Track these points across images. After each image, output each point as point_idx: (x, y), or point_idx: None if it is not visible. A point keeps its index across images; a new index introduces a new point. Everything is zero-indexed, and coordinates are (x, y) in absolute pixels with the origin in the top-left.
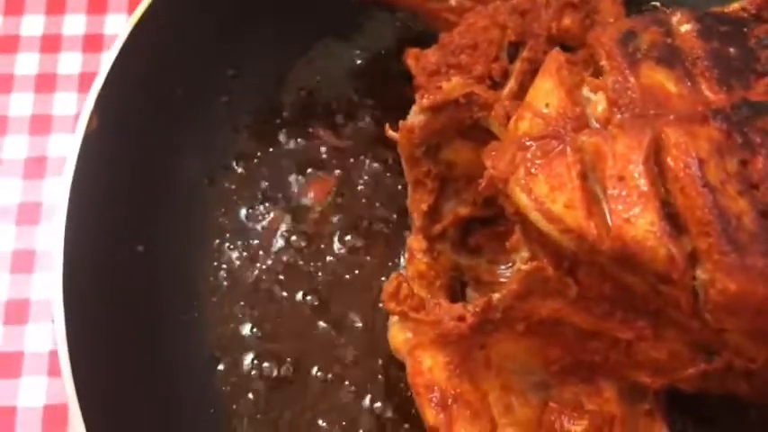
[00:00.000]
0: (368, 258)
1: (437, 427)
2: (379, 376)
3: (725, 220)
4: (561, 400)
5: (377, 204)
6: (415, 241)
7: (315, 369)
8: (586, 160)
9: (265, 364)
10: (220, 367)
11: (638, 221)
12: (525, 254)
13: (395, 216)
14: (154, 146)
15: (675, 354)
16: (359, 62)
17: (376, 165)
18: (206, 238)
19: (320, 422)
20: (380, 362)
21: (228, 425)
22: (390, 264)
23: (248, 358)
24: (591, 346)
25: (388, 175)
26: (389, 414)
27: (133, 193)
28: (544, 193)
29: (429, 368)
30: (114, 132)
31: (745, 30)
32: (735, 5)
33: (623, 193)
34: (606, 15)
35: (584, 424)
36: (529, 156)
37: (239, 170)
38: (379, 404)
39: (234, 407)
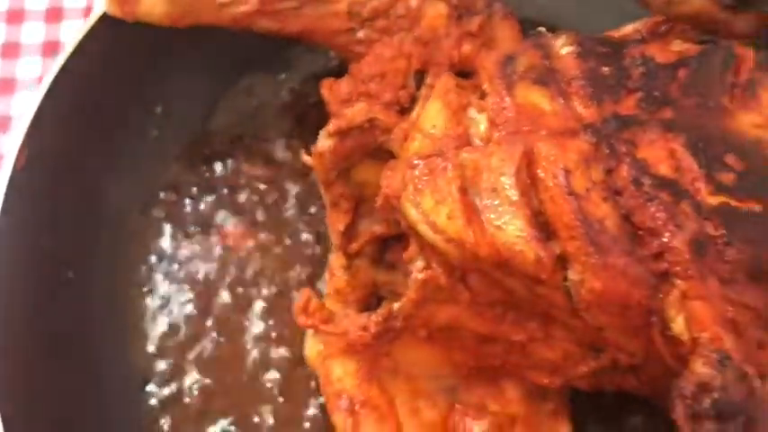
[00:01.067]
0: (296, 278)
1: None
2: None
3: (588, 224)
4: (467, 402)
5: (301, 228)
6: (334, 259)
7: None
8: (467, 175)
9: (195, 386)
10: (149, 388)
11: (509, 228)
12: (420, 264)
13: (318, 238)
14: (84, 178)
15: (566, 353)
16: (283, 94)
17: (301, 191)
18: (136, 264)
19: None
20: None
21: None
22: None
23: (177, 380)
24: (490, 349)
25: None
26: None
27: (64, 222)
28: (430, 207)
29: (339, 377)
30: (43, 167)
31: (624, 51)
32: (628, 27)
33: (495, 202)
34: (504, 43)
35: (485, 423)
36: (417, 173)
37: (168, 200)
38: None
39: (162, 425)
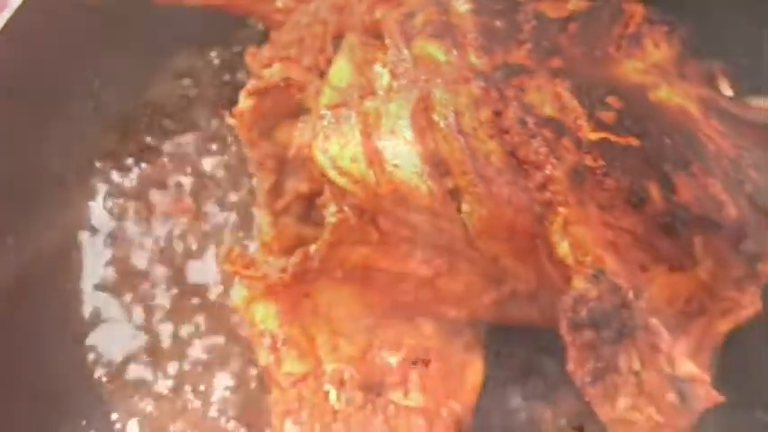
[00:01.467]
0: (229, 238)
1: (268, 368)
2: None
3: (475, 158)
4: (385, 339)
5: (232, 191)
6: (262, 216)
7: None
8: (369, 122)
9: (135, 340)
10: (89, 342)
11: (404, 165)
12: (334, 208)
13: (249, 199)
14: (23, 148)
15: (470, 285)
16: (215, 67)
17: (232, 157)
18: (73, 230)
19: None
20: None
21: (95, 390)
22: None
23: (115, 336)
24: (402, 287)
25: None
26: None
27: (4, 190)
28: (336, 152)
29: (262, 318)
30: None
31: (519, 8)
32: None
33: (394, 143)
34: (414, 6)
35: (400, 354)
36: (325, 123)
37: (104, 169)
38: None
39: (101, 378)
